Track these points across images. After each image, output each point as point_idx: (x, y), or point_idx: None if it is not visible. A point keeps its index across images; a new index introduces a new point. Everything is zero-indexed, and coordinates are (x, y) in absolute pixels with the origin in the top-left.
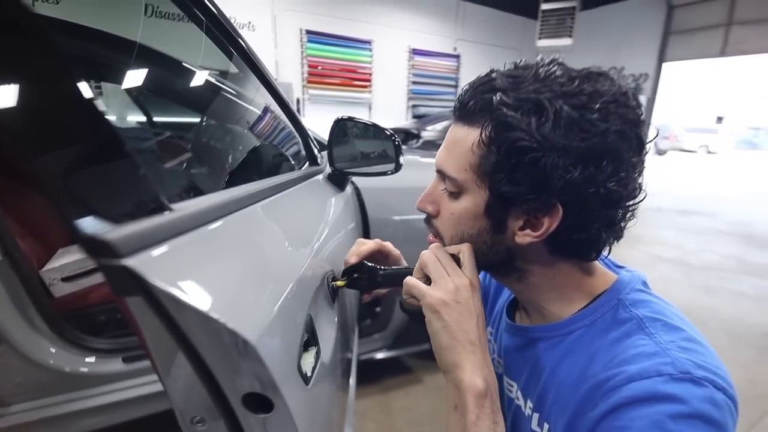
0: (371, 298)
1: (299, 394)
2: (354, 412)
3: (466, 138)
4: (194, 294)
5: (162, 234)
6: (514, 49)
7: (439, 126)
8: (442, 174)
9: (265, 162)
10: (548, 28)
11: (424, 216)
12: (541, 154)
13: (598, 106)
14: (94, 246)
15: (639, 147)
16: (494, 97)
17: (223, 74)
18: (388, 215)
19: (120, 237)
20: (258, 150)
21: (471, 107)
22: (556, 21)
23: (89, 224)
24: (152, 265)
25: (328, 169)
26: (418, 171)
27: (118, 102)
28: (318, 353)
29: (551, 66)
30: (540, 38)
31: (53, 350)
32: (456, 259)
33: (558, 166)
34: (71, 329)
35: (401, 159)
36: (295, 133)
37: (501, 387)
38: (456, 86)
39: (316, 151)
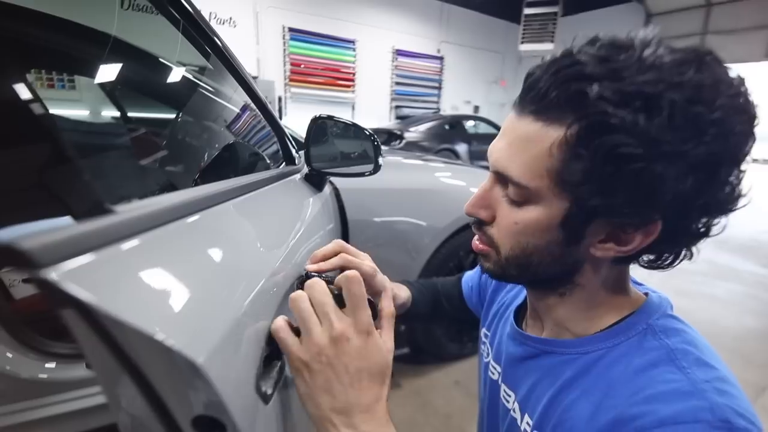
0: None
1: (256, 417)
2: None
3: (541, 136)
4: (130, 307)
5: (96, 240)
6: (497, 52)
7: (423, 127)
8: (502, 178)
9: (239, 160)
10: (531, 33)
11: (410, 220)
12: (649, 162)
13: (721, 101)
14: (11, 254)
15: (752, 146)
16: (589, 89)
17: (201, 70)
18: (369, 217)
19: (40, 245)
20: (231, 148)
21: (552, 98)
22: (538, 26)
23: (10, 230)
24: (79, 275)
25: (305, 169)
26: (400, 172)
27: (91, 96)
28: (282, 368)
29: (658, 47)
30: (522, 42)
31: (9, 355)
32: (339, 296)
33: (669, 176)
34: (30, 333)
35: (380, 160)
36: (272, 132)
37: (497, 394)
38: (439, 87)
39: (293, 151)
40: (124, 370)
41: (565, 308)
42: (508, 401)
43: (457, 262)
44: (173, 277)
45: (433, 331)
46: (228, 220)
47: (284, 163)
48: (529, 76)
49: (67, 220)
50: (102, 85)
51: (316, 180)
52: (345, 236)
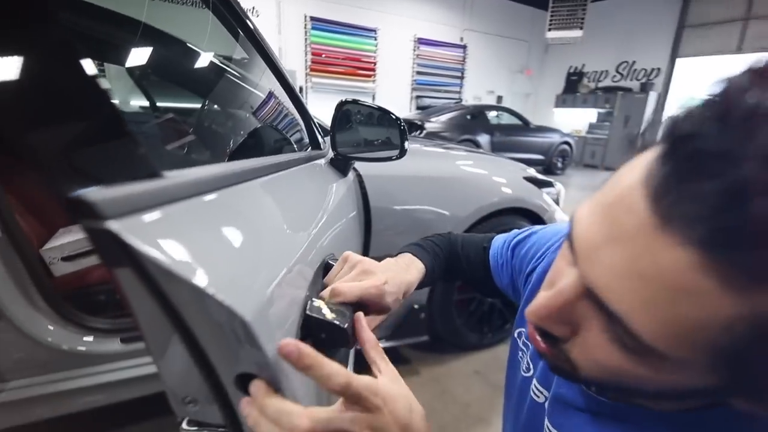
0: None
1: (295, 374)
2: None
3: (718, 300)
4: (186, 265)
5: (152, 199)
6: (522, 40)
7: (444, 118)
8: (607, 311)
9: (267, 144)
10: (558, 20)
11: (432, 208)
12: None
13: None
14: (78, 207)
15: None
16: None
17: (227, 58)
18: (390, 204)
19: (105, 198)
20: (260, 132)
21: (734, 232)
22: (566, 12)
23: (76, 187)
24: (139, 230)
25: (330, 154)
26: (421, 160)
27: (122, 83)
28: (318, 340)
29: None
30: (550, 29)
31: (51, 328)
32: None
33: None
34: (70, 308)
35: (406, 144)
36: (298, 118)
37: (539, 418)
38: (462, 77)
39: (319, 136)
40: (173, 327)
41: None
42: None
43: None
44: (220, 242)
45: (453, 320)
46: (262, 195)
47: (310, 148)
48: (697, 157)
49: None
50: (131, 71)
51: (341, 165)
52: (368, 223)
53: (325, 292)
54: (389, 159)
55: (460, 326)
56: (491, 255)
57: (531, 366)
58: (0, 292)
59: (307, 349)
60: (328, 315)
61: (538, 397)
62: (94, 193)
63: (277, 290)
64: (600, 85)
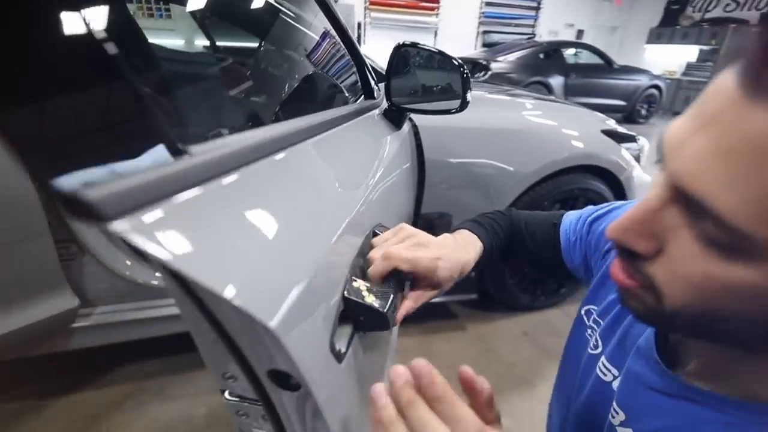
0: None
1: (330, 375)
2: (396, 350)
3: None
4: (202, 264)
5: (168, 186)
6: None
7: (512, 57)
8: (695, 204)
9: (318, 93)
10: None
11: (494, 163)
12: None
13: None
14: (76, 206)
15: None
16: None
17: None
18: (447, 157)
19: (106, 195)
20: (311, 79)
21: None
22: None
23: (70, 179)
24: (149, 229)
25: (384, 104)
26: (484, 109)
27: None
28: (355, 327)
29: None
30: None
31: (128, 263)
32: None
33: None
34: None
35: (468, 95)
36: (352, 62)
37: (607, 397)
38: (537, 8)
39: (373, 83)
40: (206, 320)
41: (753, 365)
42: (615, 417)
43: None
44: (248, 229)
45: (505, 280)
46: (305, 162)
47: (363, 97)
48: None
49: (136, 163)
50: (193, 14)
51: (395, 116)
52: (421, 176)
53: (375, 253)
54: (448, 112)
55: (512, 286)
56: (562, 231)
57: (600, 343)
58: (85, 231)
59: (439, 378)
60: (368, 298)
61: (605, 375)
62: (93, 191)
63: (310, 282)
64: (708, 15)
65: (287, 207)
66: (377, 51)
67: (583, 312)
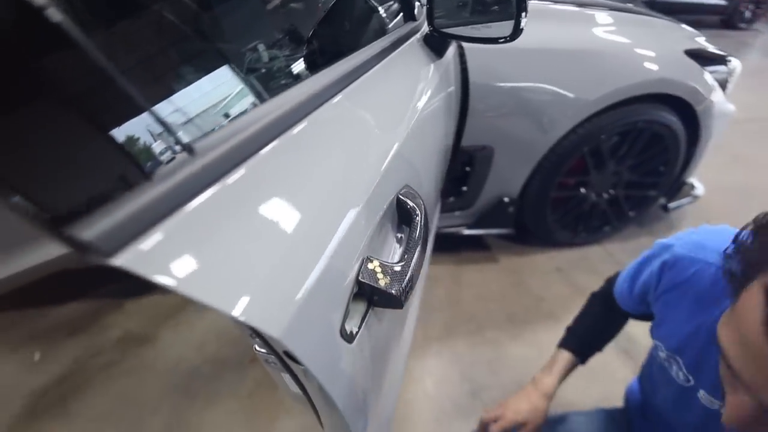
0: None
1: (341, 357)
2: (427, 277)
3: None
4: (207, 286)
5: (160, 208)
6: None
7: None
8: None
9: (355, 19)
10: None
11: (552, 88)
12: None
13: None
14: (77, 246)
15: None
16: None
17: None
18: (494, 81)
19: (100, 234)
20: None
21: None
22: None
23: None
24: (147, 257)
25: (425, 28)
26: (544, 24)
27: None
28: (368, 307)
29: None
30: None
31: None
32: None
33: None
34: None
35: (523, 21)
36: None
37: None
38: None
39: (415, 4)
40: None
41: None
42: None
43: (593, 146)
44: (255, 228)
45: (545, 216)
46: (327, 127)
47: (402, 19)
48: None
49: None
50: None
51: (437, 43)
52: (464, 106)
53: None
54: (496, 41)
55: (551, 222)
56: (618, 296)
57: (691, 378)
58: None
59: None
60: (382, 281)
61: (712, 404)
62: (86, 231)
63: (322, 275)
64: None
65: (301, 191)
66: None
67: (654, 346)
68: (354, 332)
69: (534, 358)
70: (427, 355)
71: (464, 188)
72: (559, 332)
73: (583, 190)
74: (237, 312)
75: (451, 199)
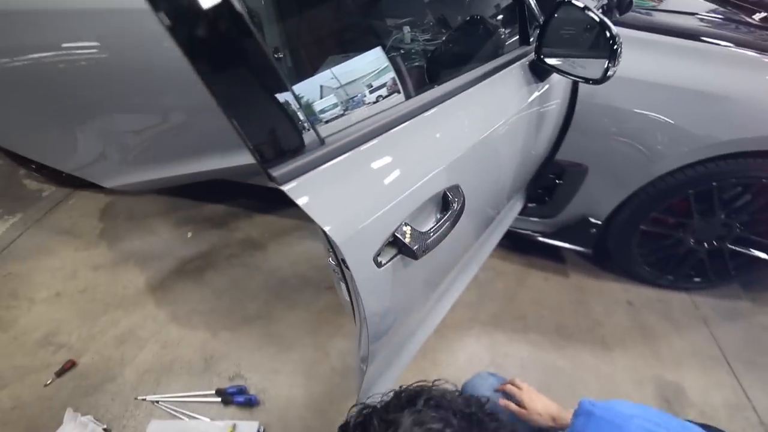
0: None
1: (369, 274)
2: (491, 268)
3: None
4: (320, 208)
5: (310, 165)
6: None
7: None
8: None
9: (479, 37)
10: None
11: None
12: None
13: None
14: (270, 177)
15: None
16: None
17: None
18: (605, 101)
19: (281, 173)
20: (474, 22)
21: None
22: None
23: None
24: (299, 189)
25: (533, 55)
26: (675, 62)
27: None
28: (399, 249)
29: None
30: None
31: None
32: None
33: None
34: None
35: (612, 70)
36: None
37: None
38: None
39: (530, 30)
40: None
41: None
42: None
43: (702, 191)
44: (352, 188)
45: (630, 247)
46: (436, 123)
47: (519, 41)
48: None
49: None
50: None
51: (539, 70)
52: (568, 118)
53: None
54: (587, 81)
55: (636, 254)
56: None
57: None
58: None
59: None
60: (407, 239)
61: None
62: (275, 171)
63: (374, 222)
64: None
65: (390, 171)
66: None
67: None
68: (382, 263)
69: (568, 373)
70: (467, 334)
71: (547, 198)
72: (604, 360)
73: (681, 232)
74: (327, 227)
75: (534, 205)
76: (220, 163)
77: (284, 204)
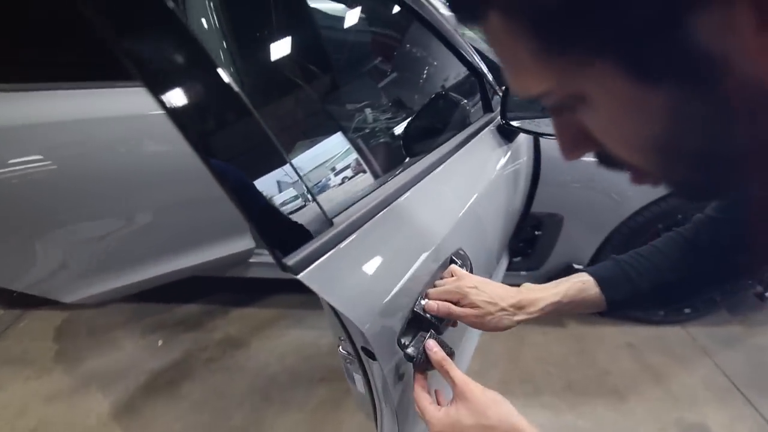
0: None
1: (396, 360)
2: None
3: None
4: (332, 290)
5: (322, 249)
6: None
7: None
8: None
9: (444, 113)
10: None
11: None
12: None
13: None
14: (284, 268)
15: None
16: None
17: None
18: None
19: (294, 262)
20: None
21: None
22: None
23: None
24: (311, 276)
25: (498, 120)
26: None
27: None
28: (422, 334)
29: None
30: None
31: None
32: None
33: None
34: None
35: None
36: (472, 76)
37: None
38: None
39: (490, 96)
40: (334, 315)
41: None
42: None
43: (669, 225)
44: (360, 268)
45: None
46: (419, 201)
47: (482, 110)
48: None
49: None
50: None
51: (507, 132)
52: (536, 171)
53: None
54: (551, 136)
55: None
56: None
57: None
58: None
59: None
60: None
61: None
62: (289, 260)
63: (392, 300)
64: None
65: (397, 245)
66: None
67: None
68: (406, 344)
69: (588, 429)
70: None
71: (529, 251)
72: (621, 412)
73: None
74: (352, 316)
75: (518, 258)
76: (195, 260)
77: (264, 293)
